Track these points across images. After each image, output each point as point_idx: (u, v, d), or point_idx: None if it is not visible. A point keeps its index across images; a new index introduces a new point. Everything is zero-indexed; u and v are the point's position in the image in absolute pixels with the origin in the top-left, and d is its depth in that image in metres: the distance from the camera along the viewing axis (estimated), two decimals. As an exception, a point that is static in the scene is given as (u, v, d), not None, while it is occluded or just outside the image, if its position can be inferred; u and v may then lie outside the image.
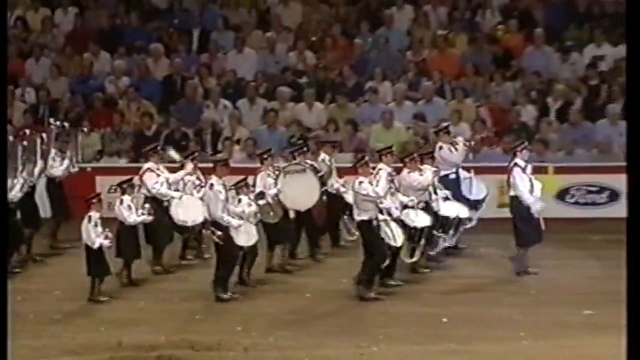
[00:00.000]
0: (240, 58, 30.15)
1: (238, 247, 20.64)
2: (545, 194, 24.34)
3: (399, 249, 20.69)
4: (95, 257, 20.52)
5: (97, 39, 30.02)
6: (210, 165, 22.16)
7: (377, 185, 20.27)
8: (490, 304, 20.26)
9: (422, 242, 21.53)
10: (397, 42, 30.13)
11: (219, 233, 20.34)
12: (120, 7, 30.91)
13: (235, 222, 20.46)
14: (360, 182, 20.14)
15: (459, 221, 22.18)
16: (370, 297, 20.23)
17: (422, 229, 21.16)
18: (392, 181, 20.82)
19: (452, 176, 23.02)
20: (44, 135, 24.04)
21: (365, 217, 20.21)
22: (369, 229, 20.25)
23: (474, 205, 22.91)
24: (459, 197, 22.63)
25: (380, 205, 20.28)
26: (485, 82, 28.81)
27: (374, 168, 20.54)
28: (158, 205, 22.33)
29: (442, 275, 22.06)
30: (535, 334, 18.58)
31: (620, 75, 27.92)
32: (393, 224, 20.51)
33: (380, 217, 20.31)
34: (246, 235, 20.73)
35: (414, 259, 21.55)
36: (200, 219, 22.29)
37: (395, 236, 20.48)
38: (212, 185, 20.59)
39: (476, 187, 23.27)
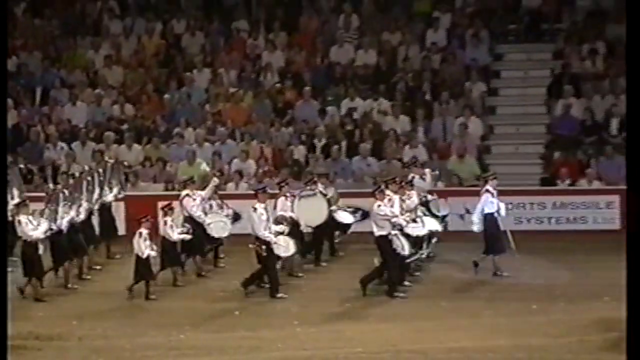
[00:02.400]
0: (74, 110, 30.64)
1: (277, 257, 21.02)
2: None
3: (406, 257, 20.88)
4: (143, 264, 20.93)
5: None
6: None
7: (392, 207, 20.89)
8: (273, 299, 20.77)
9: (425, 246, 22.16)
10: (198, 97, 31.02)
11: (264, 247, 20.66)
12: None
13: (274, 238, 20.80)
14: (379, 206, 20.66)
15: (431, 234, 22.45)
16: (400, 296, 20.61)
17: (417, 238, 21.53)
18: (402, 204, 21.55)
19: (423, 199, 23.34)
20: (100, 170, 24.60)
21: (383, 233, 20.61)
22: (385, 242, 20.64)
23: (442, 219, 23.38)
24: (429, 214, 22.95)
25: (393, 220, 20.66)
26: (267, 128, 29.78)
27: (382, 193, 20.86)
28: (195, 223, 22.70)
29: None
30: (306, 322, 19.09)
31: (370, 121, 29.58)
32: (402, 237, 20.75)
33: (392, 232, 20.61)
34: (286, 248, 21.23)
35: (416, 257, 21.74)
36: (226, 234, 23.10)
37: (404, 246, 20.72)
38: (255, 209, 20.86)
39: (442, 206, 23.96)
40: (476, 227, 22.36)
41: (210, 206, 23.56)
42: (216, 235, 23.23)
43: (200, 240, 22.91)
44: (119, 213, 25.84)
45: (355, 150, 29.09)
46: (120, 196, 25.30)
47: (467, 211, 24.84)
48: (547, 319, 19.00)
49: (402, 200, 21.72)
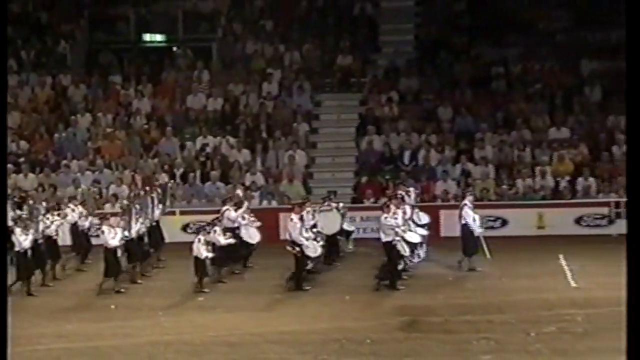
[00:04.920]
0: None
1: (307, 257, 20.59)
2: (174, 227, 25.82)
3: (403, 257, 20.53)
4: (202, 264, 20.52)
5: None
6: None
7: (396, 218, 20.40)
8: (140, 294, 20.57)
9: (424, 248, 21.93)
10: (81, 136, 30.60)
11: (297, 249, 20.41)
12: None
13: (306, 242, 20.45)
14: (386, 217, 20.29)
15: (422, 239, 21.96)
16: (398, 288, 20.17)
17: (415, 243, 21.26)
18: (404, 215, 21.09)
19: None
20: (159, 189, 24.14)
21: (389, 239, 20.28)
22: (390, 246, 20.33)
23: (423, 226, 22.53)
24: (414, 223, 22.20)
25: (396, 229, 20.26)
26: (137, 160, 29.56)
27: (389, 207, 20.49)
28: (232, 232, 22.10)
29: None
30: (169, 312, 18.97)
31: (219, 154, 29.45)
32: (403, 243, 20.46)
33: (396, 238, 20.30)
34: (314, 249, 20.78)
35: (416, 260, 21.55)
36: (257, 240, 22.54)
37: (405, 249, 20.48)
38: (292, 219, 20.55)
39: (422, 216, 22.99)
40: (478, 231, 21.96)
41: (243, 217, 22.90)
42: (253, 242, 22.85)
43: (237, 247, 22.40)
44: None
45: (207, 177, 28.99)
46: (165, 212, 24.63)
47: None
48: (357, 306, 19.18)
49: (404, 213, 21.36)
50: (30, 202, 24.22)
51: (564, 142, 29.27)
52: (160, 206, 23.96)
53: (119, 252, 20.90)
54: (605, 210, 26.63)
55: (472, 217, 21.87)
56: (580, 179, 27.97)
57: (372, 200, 27.91)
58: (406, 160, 29.48)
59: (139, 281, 21.91)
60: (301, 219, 20.86)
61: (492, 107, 30.65)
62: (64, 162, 29.66)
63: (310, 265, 21.04)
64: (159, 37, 34.52)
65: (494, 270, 21.91)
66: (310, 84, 32.03)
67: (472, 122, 30.38)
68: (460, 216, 22.02)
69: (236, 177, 28.96)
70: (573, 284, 20.64)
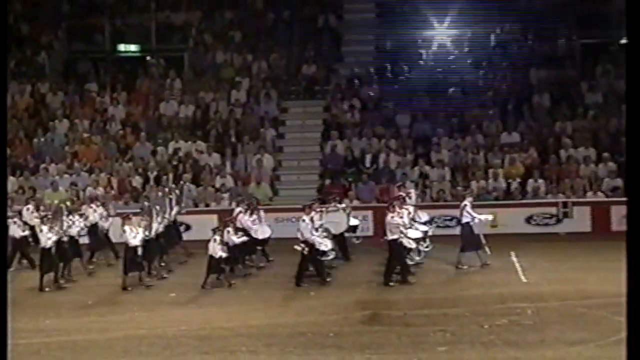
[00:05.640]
0: None
1: (320, 251, 20.41)
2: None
3: (410, 250, 20.73)
4: (216, 262, 20.23)
5: None
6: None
7: (401, 218, 20.48)
8: (116, 292, 20.37)
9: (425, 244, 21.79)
10: (59, 141, 30.40)
11: (307, 248, 20.21)
12: None
13: (318, 238, 20.39)
14: (392, 217, 20.30)
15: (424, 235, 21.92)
16: (392, 285, 20.07)
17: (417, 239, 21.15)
18: (409, 214, 21.15)
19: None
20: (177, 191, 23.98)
21: (395, 237, 20.24)
22: (395, 243, 20.29)
23: (425, 223, 22.36)
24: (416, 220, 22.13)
25: (401, 228, 20.27)
26: (112, 163, 29.26)
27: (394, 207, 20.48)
28: (244, 230, 21.88)
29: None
30: (143, 308, 18.86)
31: (190, 158, 29.24)
32: (406, 239, 20.45)
33: (401, 236, 20.29)
34: (325, 244, 20.53)
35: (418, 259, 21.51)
36: (267, 235, 22.35)
37: (411, 244, 20.61)
38: (304, 220, 20.47)
39: (422, 214, 22.84)
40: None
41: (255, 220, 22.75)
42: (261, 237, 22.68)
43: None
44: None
45: (179, 180, 28.54)
46: (182, 212, 24.41)
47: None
48: (322, 302, 19.13)
49: (409, 213, 21.31)
50: (56, 202, 24.38)
51: (514, 146, 29.41)
52: (176, 207, 23.66)
53: (140, 251, 20.65)
54: (553, 210, 26.74)
55: (471, 217, 21.78)
56: (530, 181, 28.07)
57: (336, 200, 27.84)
58: (367, 163, 29.50)
59: (165, 275, 21.83)
60: (312, 219, 20.72)
61: (448, 113, 30.75)
62: (43, 165, 29.43)
63: (331, 256, 20.93)
64: (133, 47, 34.39)
65: (449, 267, 21.96)
66: (276, 92, 31.98)
67: (429, 127, 30.47)
68: (461, 215, 21.95)
69: (207, 180, 28.90)
70: (524, 279, 20.69)
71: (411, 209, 22.03)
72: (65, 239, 21.22)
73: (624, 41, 32.66)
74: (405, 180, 28.27)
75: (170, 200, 23.28)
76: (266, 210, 24.33)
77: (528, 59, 31.99)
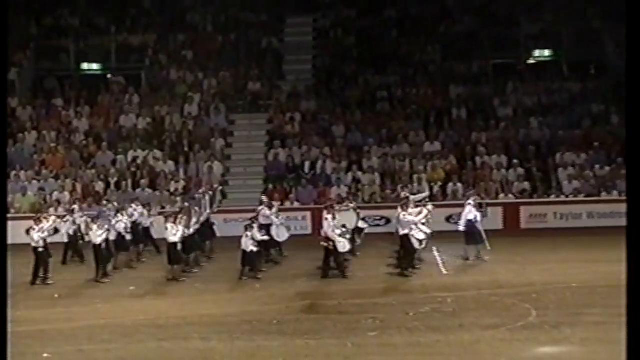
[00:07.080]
0: None
1: (338, 252, 19.89)
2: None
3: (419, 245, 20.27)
4: (250, 256, 20.04)
5: None
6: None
7: (414, 216, 20.15)
8: (80, 285, 20.06)
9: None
10: (29, 150, 30.07)
11: (331, 243, 19.81)
12: None
13: (338, 237, 19.80)
14: (404, 215, 20.02)
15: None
16: (410, 275, 19.81)
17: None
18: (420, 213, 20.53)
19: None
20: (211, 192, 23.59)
21: (406, 232, 20.01)
22: (406, 238, 20.05)
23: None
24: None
25: (412, 225, 19.98)
26: (77, 170, 29.07)
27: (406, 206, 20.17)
28: (266, 229, 21.52)
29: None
30: (105, 300, 18.61)
31: (147, 165, 29.02)
32: (416, 235, 20.13)
33: (411, 232, 20.04)
34: (344, 245, 20.04)
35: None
36: (286, 237, 22.04)
37: (419, 240, 20.19)
38: (326, 218, 19.98)
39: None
40: (461, 227, 21.80)
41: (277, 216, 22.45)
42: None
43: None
44: None
45: (138, 185, 28.59)
46: (215, 211, 23.89)
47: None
48: (266, 293, 19.03)
49: (419, 212, 20.87)
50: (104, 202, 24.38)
51: (436, 154, 29.64)
52: (209, 208, 23.29)
53: (179, 246, 20.32)
54: (470, 210, 26.89)
55: (474, 215, 21.65)
56: (449, 185, 28.36)
57: (279, 203, 27.73)
58: (306, 169, 29.48)
59: (195, 270, 21.34)
60: (334, 217, 20.26)
61: (378, 125, 30.89)
62: (14, 172, 29.03)
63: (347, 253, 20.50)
64: (95, 66, 34.02)
65: (380, 260, 22.00)
66: (225, 106, 31.84)
67: (361, 137, 30.56)
68: (466, 212, 21.83)
69: (162, 185, 28.70)
70: (444, 271, 20.80)
71: (429, 208, 21.37)
72: (112, 237, 21.15)
73: (531, 61, 33.24)
74: (340, 184, 28.36)
75: (206, 201, 23.02)
76: (216, 213, 24.19)
77: (447, 77, 32.33)
